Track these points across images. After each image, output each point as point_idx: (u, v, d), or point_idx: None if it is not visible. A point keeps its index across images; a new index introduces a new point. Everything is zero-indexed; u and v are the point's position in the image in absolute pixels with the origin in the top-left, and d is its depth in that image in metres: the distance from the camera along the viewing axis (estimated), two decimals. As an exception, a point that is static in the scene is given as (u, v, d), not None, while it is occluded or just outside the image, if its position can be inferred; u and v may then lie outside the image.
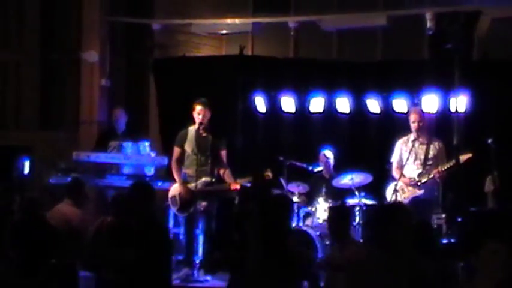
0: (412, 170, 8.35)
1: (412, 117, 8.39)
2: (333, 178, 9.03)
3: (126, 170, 8.96)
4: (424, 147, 8.36)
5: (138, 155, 9.05)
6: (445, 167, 8.13)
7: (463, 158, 7.89)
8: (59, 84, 11.76)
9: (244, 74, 10.03)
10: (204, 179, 8.34)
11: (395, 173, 8.46)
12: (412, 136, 8.39)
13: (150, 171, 9.00)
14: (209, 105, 8.40)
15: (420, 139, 8.37)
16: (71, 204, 7.57)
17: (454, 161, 7.95)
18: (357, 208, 8.65)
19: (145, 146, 9.11)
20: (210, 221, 8.41)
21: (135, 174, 8.90)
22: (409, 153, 8.32)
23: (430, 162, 8.31)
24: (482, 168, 8.39)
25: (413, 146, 8.33)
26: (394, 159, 8.53)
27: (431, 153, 8.34)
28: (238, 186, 8.36)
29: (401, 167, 8.37)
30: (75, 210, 7.53)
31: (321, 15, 10.64)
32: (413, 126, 8.33)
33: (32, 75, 11.76)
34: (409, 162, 8.32)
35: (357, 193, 8.69)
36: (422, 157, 8.34)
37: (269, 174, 8.29)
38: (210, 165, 8.39)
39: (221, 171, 8.46)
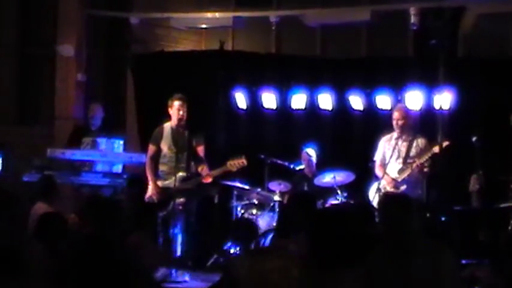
0: (394, 168, 8.37)
1: (395, 115, 8.40)
2: (316, 177, 9.04)
3: (100, 168, 8.95)
4: (407, 144, 8.38)
5: (116, 153, 9.03)
6: (424, 159, 8.14)
7: (440, 146, 7.88)
8: (35, 79, 11.76)
9: (224, 69, 9.99)
10: (180, 174, 8.33)
11: (378, 171, 8.48)
12: (395, 134, 8.41)
13: (117, 168, 9.00)
14: (186, 100, 8.40)
15: (404, 137, 8.38)
16: (46, 205, 7.47)
17: (432, 151, 8.00)
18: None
19: (120, 144, 9.11)
20: (190, 219, 8.39)
21: (109, 172, 8.92)
22: (392, 151, 8.34)
23: (411, 160, 8.30)
24: (466, 166, 8.39)
25: (396, 143, 8.35)
26: (377, 157, 8.55)
27: (413, 151, 8.35)
28: (210, 179, 8.32)
29: (384, 165, 8.40)
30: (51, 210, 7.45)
31: (304, 9, 10.63)
32: (395, 124, 8.35)
33: (8, 69, 11.73)
34: (391, 160, 8.34)
35: (339, 192, 8.69)
36: (403, 154, 8.36)
37: (244, 161, 8.22)
38: (186, 161, 8.37)
39: (199, 168, 8.44)
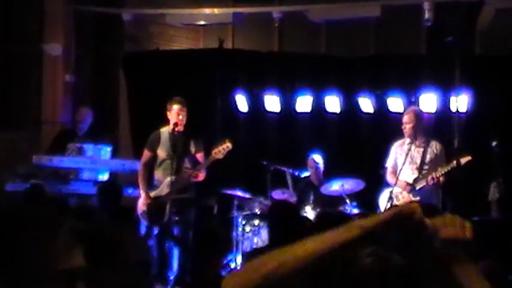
0: (408, 175, 8.24)
1: (404, 119, 8.25)
2: (322, 185, 8.97)
3: (86, 175, 8.82)
4: (421, 150, 8.25)
5: (107, 160, 8.95)
6: (441, 173, 8.00)
7: (461, 161, 7.75)
8: (19, 80, 11.65)
9: (224, 69, 9.91)
10: (167, 179, 8.10)
11: (389, 178, 8.35)
12: (408, 139, 8.27)
13: (103, 176, 8.90)
14: (186, 104, 8.26)
15: (417, 142, 8.23)
16: None
17: (450, 165, 7.87)
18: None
19: (107, 151, 9.01)
20: (187, 231, 8.23)
21: (99, 181, 8.76)
22: (405, 157, 8.18)
23: (426, 167, 8.17)
24: (486, 174, 8.35)
25: (409, 149, 8.19)
26: (389, 163, 8.42)
27: (428, 157, 8.21)
28: (201, 177, 8.10)
29: (396, 172, 8.27)
30: None
31: (309, 5, 10.57)
32: (403, 128, 8.18)
33: (-11, 70, 11.77)
34: (404, 166, 8.18)
35: (348, 201, 8.62)
36: (418, 161, 8.22)
37: (228, 145, 8.01)
38: (178, 165, 8.15)
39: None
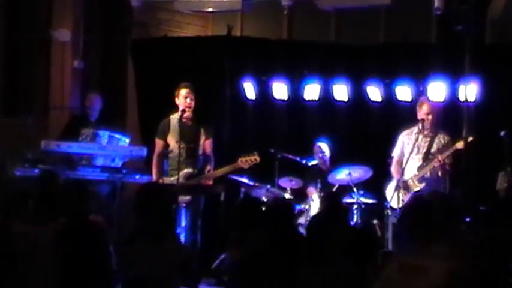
0: (414, 164, 8.33)
1: (425, 109, 8.31)
2: (329, 173, 9.01)
3: (99, 162, 8.86)
4: (428, 140, 8.34)
5: (114, 146, 8.97)
6: (446, 155, 8.12)
7: (464, 142, 7.78)
8: (26, 66, 11.70)
9: (232, 57, 9.91)
10: (186, 170, 8.18)
11: (393, 168, 8.43)
12: (416, 128, 8.35)
13: (117, 163, 8.92)
14: (193, 88, 8.32)
15: (425, 132, 8.34)
16: None
17: (454, 147, 7.98)
18: (355, 206, 8.59)
19: (125, 141, 9.05)
20: (196, 218, 8.31)
21: (108, 167, 8.83)
22: (412, 146, 8.29)
23: (432, 157, 8.27)
24: (494, 163, 8.39)
25: (416, 138, 8.30)
26: (395, 153, 8.50)
27: (434, 147, 8.32)
28: (210, 182, 8.30)
29: (402, 162, 8.33)
30: None
31: None
32: (426, 119, 8.25)
33: (-4, 56, 11.72)
34: (411, 156, 8.27)
35: (355, 190, 8.66)
36: (424, 150, 8.32)
37: (256, 158, 8.14)
38: (194, 156, 8.26)
39: (206, 165, 8.40)
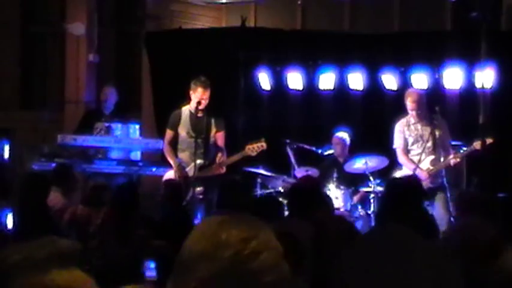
0: (418, 154, 8.25)
1: (410, 99, 8.28)
2: (346, 162, 8.96)
3: (114, 155, 8.91)
4: (428, 128, 8.29)
5: (130, 138, 9.01)
6: (461, 156, 8.11)
7: (482, 144, 7.75)
8: (41, 60, 11.74)
9: (246, 48, 9.91)
10: (198, 161, 8.25)
11: (402, 159, 8.39)
12: (412, 119, 8.34)
13: (136, 156, 8.94)
14: (210, 85, 8.34)
15: (424, 121, 8.31)
16: (60, 194, 7.36)
17: (471, 148, 7.95)
18: (372, 195, 8.60)
19: (136, 128, 9.07)
20: (210, 209, 8.22)
21: (124, 159, 8.89)
22: (415, 136, 8.31)
23: (438, 143, 8.26)
24: (511, 150, 8.44)
25: (416, 129, 8.32)
26: (397, 144, 8.45)
27: (437, 134, 8.28)
28: (223, 170, 8.25)
29: (407, 151, 8.35)
30: (65, 202, 7.34)
31: None
32: (416, 107, 8.22)
33: (12, 50, 11.70)
34: (415, 146, 8.30)
35: (371, 179, 8.61)
36: (426, 138, 8.26)
37: (263, 144, 8.14)
38: (206, 148, 8.30)
39: (218, 155, 8.37)
